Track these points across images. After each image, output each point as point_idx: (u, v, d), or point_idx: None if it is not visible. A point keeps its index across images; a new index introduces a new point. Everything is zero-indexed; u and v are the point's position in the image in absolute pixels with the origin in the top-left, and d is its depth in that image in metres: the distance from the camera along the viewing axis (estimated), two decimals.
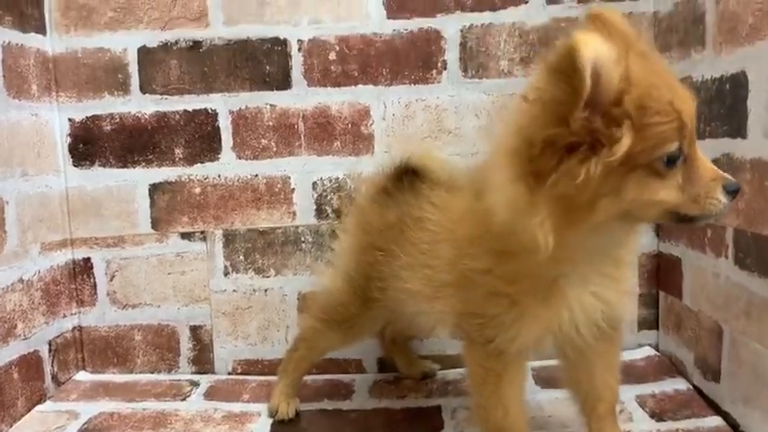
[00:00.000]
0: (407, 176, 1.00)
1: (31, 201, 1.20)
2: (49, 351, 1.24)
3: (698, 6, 1.07)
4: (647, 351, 1.28)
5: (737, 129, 0.95)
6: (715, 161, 1.01)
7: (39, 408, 1.18)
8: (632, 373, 1.19)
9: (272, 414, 1.11)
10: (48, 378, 1.24)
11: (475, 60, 1.26)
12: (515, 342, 0.78)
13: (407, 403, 1.16)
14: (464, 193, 0.86)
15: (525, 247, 0.69)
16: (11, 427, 1.11)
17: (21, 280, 1.16)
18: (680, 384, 1.13)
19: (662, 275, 1.27)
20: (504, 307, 0.78)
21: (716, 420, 1.01)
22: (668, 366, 1.21)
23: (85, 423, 1.11)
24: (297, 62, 1.27)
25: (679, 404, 1.07)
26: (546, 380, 1.17)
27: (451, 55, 1.26)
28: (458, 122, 1.27)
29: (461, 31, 1.25)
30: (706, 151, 1.02)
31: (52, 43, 1.27)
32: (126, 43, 1.28)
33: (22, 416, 1.14)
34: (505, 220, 0.70)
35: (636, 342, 1.29)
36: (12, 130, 1.15)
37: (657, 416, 1.04)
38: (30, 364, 1.18)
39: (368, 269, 1.00)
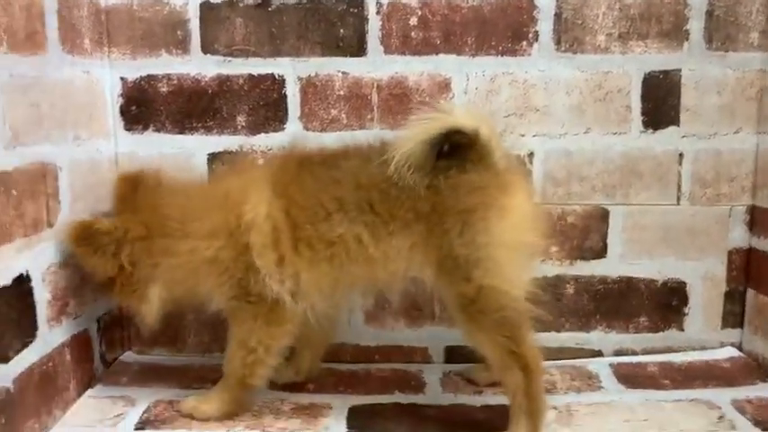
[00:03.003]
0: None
1: (82, 167, 1.10)
2: (98, 329, 1.16)
3: None
4: (731, 351, 1.22)
5: None
6: None
7: (90, 392, 1.10)
8: (720, 376, 1.14)
9: None
10: (96, 358, 1.15)
11: (570, 33, 1.16)
12: None
13: (486, 400, 1.09)
14: None
15: None
16: (64, 412, 1.02)
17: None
18: None
19: (753, 272, 1.20)
20: None
21: None
22: (756, 369, 1.16)
23: (145, 412, 1.03)
24: (374, 27, 1.16)
25: None
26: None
27: (544, 26, 1.16)
28: (547, 100, 1.18)
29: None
30: None
31: None
32: None
33: (74, 400, 1.06)
34: None
35: (718, 340, 1.23)
36: (65, 89, 1.04)
37: (761, 425, 0.98)
38: (81, 343, 1.09)
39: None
